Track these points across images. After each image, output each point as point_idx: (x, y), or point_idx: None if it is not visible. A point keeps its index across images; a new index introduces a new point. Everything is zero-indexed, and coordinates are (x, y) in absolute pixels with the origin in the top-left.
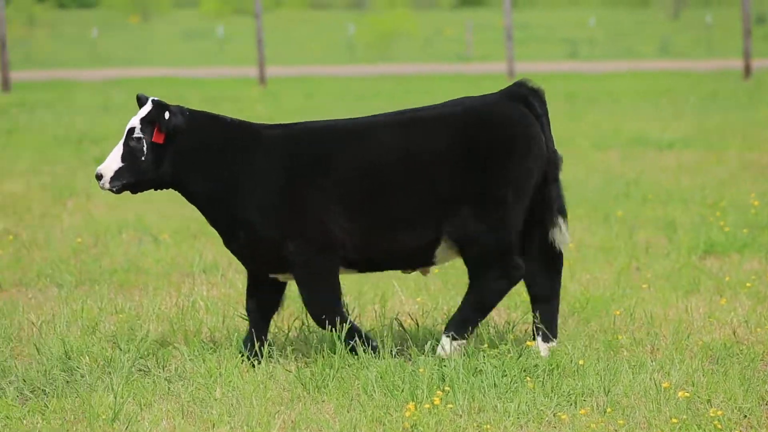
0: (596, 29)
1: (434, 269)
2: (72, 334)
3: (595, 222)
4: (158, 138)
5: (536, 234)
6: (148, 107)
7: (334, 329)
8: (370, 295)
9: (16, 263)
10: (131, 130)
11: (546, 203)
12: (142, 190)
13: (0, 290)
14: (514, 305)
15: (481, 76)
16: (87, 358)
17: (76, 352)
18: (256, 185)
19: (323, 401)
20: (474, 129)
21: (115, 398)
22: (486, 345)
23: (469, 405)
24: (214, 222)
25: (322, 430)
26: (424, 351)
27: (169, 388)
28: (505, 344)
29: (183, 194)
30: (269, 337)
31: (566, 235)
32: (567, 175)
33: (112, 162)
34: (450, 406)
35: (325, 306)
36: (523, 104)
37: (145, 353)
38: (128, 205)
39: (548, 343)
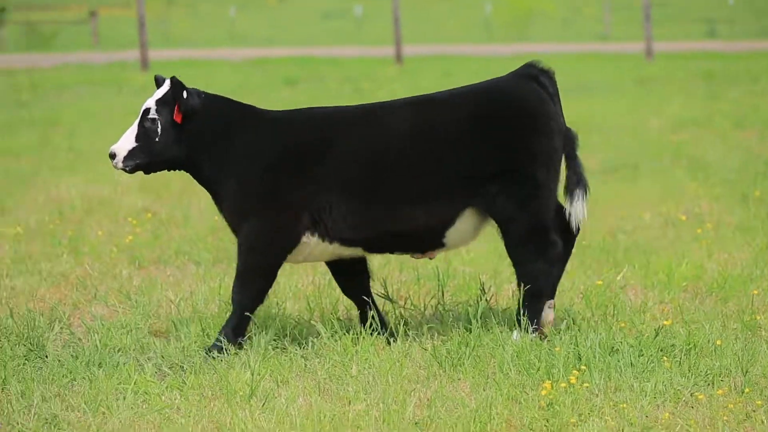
0: (735, 8)
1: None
2: (209, 311)
3: (734, 201)
4: (178, 117)
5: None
6: (165, 88)
7: (236, 308)
8: (506, 273)
9: (154, 241)
10: (146, 111)
11: (568, 177)
12: (155, 171)
13: (139, 267)
14: (651, 284)
15: (619, 55)
16: (224, 335)
17: (213, 329)
18: (245, 167)
19: (459, 379)
20: (493, 106)
21: (252, 375)
22: (623, 324)
23: (605, 384)
24: (219, 203)
25: (457, 408)
26: (560, 330)
27: (305, 366)
28: (642, 324)
29: (193, 176)
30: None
31: (583, 211)
32: (705, 154)
33: (126, 142)
34: (586, 385)
35: (252, 291)
36: (535, 83)
37: (282, 331)
38: None
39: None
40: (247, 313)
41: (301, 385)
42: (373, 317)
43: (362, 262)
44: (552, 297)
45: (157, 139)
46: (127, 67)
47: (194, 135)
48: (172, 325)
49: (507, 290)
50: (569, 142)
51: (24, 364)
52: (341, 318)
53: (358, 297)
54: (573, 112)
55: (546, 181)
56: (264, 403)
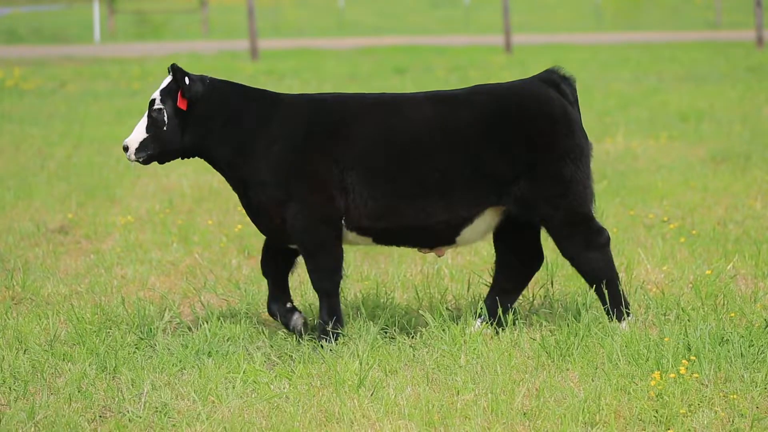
0: None
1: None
2: (318, 300)
3: None
4: (181, 104)
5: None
6: (168, 77)
7: (324, 296)
8: (615, 263)
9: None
10: (152, 102)
11: None
12: (168, 160)
13: (248, 257)
14: (762, 274)
15: (730, 43)
16: (332, 323)
17: None
18: (268, 151)
19: (567, 369)
20: (515, 107)
21: (361, 365)
22: (732, 314)
23: (715, 375)
24: (235, 187)
25: (566, 399)
26: (670, 320)
27: (414, 355)
28: (752, 314)
29: (207, 161)
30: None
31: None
32: None
33: (137, 134)
34: (696, 375)
35: (325, 273)
36: (555, 90)
37: (391, 320)
38: None
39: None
40: (333, 294)
41: (409, 374)
42: (283, 303)
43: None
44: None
45: (165, 128)
46: (236, 56)
47: (203, 121)
48: None
49: None
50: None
51: (134, 352)
52: (450, 308)
53: (277, 276)
54: (683, 101)
55: (575, 177)
56: (372, 393)
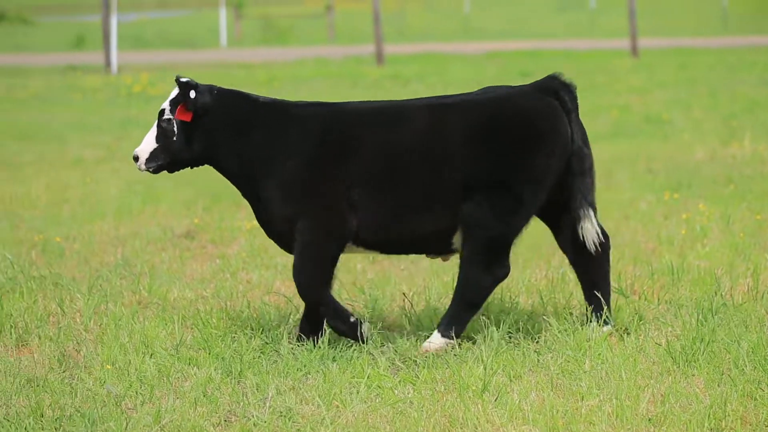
0: None
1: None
2: (443, 305)
3: None
4: (184, 116)
5: (569, 225)
6: (176, 89)
7: (313, 307)
8: (742, 268)
9: None
10: (162, 112)
11: (573, 196)
12: (177, 169)
13: (372, 262)
14: None
15: None
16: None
17: None
18: (279, 162)
19: (693, 375)
20: (501, 119)
21: (485, 369)
22: None
23: None
24: (245, 196)
25: (691, 405)
26: None
27: (538, 360)
28: None
29: (218, 170)
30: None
31: (594, 227)
32: None
33: (147, 144)
34: None
35: (309, 289)
36: (554, 98)
37: (515, 326)
38: None
39: (607, 326)
40: (326, 301)
41: (533, 379)
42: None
43: None
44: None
45: (174, 139)
46: (362, 61)
47: (211, 131)
48: (405, 320)
49: (743, 285)
50: (580, 159)
51: (259, 357)
52: (574, 313)
53: None
54: None
55: (531, 199)
56: (496, 398)
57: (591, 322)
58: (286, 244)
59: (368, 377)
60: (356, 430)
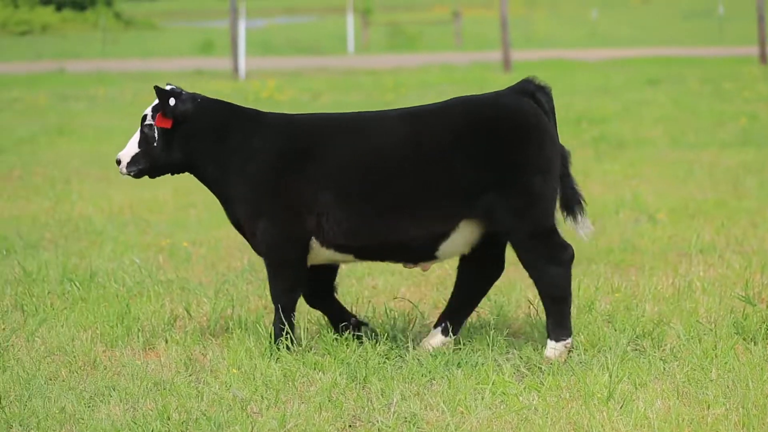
0: None
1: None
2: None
3: None
4: (163, 123)
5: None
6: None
7: (277, 310)
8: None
9: None
10: (144, 117)
11: (562, 195)
12: (158, 175)
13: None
14: None
15: None
16: (582, 336)
17: (574, 330)
18: (246, 169)
19: None
20: (486, 119)
21: (610, 377)
22: None
23: None
24: (224, 204)
25: None
26: None
27: (664, 368)
28: None
29: (196, 177)
30: None
31: (585, 226)
32: None
33: (129, 148)
34: None
35: (283, 288)
36: (531, 99)
37: (641, 333)
38: (626, 183)
39: (447, 337)
40: (287, 310)
41: (659, 387)
42: (343, 319)
43: (332, 270)
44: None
45: (155, 144)
46: (489, 67)
47: (191, 139)
48: (530, 326)
49: None
50: (564, 159)
51: (384, 362)
52: (701, 321)
53: (324, 304)
54: None
55: (543, 190)
56: (622, 406)
57: (438, 326)
58: (254, 247)
59: (493, 383)
60: None
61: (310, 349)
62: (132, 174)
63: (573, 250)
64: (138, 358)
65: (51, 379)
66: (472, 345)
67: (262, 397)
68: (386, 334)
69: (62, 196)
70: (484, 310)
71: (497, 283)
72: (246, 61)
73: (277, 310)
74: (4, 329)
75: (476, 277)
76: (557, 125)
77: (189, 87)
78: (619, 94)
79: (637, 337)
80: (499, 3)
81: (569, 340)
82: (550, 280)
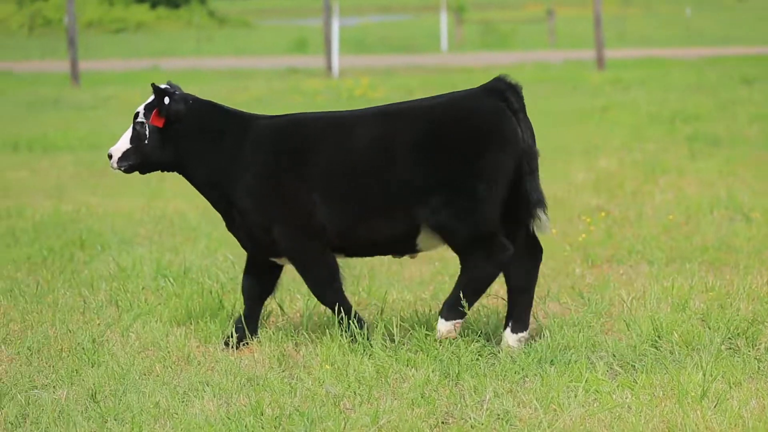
0: None
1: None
2: (662, 310)
3: None
4: (156, 121)
5: (514, 226)
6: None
7: (333, 307)
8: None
9: (608, 239)
10: (137, 115)
11: (523, 195)
12: (148, 172)
13: (592, 266)
14: None
15: None
16: (676, 334)
17: (665, 329)
18: (243, 175)
19: None
20: (449, 121)
21: (704, 376)
22: None
23: None
24: (214, 205)
25: None
26: None
27: (758, 367)
28: None
29: (185, 177)
30: None
31: (546, 226)
32: None
33: (121, 144)
34: None
35: (322, 284)
36: (500, 99)
37: (735, 331)
38: (721, 182)
39: (518, 334)
40: (339, 301)
41: (753, 387)
42: (252, 325)
43: (277, 274)
44: (526, 328)
45: (146, 142)
46: (582, 66)
47: (180, 139)
48: (624, 324)
49: None
50: (530, 158)
51: (477, 359)
52: None
53: (254, 303)
54: None
55: (488, 196)
56: (715, 405)
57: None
58: (258, 250)
59: (586, 381)
60: None
61: (403, 345)
62: (122, 169)
63: (512, 251)
64: (232, 354)
65: (145, 374)
66: (566, 342)
67: (354, 393)
68: (479, 332)
69: (157, 192)
70: (577, 307)
71: (589, 281)
72: (339, 59)
73: (332, 309)
74: (99, 324)
75: (519, 267)
76: (530, 123)
77: (283, 85)
78: (714, 93)
79: (731, 335)
80: (593, 1)
81: (461, 321)
82: (478, 275)
